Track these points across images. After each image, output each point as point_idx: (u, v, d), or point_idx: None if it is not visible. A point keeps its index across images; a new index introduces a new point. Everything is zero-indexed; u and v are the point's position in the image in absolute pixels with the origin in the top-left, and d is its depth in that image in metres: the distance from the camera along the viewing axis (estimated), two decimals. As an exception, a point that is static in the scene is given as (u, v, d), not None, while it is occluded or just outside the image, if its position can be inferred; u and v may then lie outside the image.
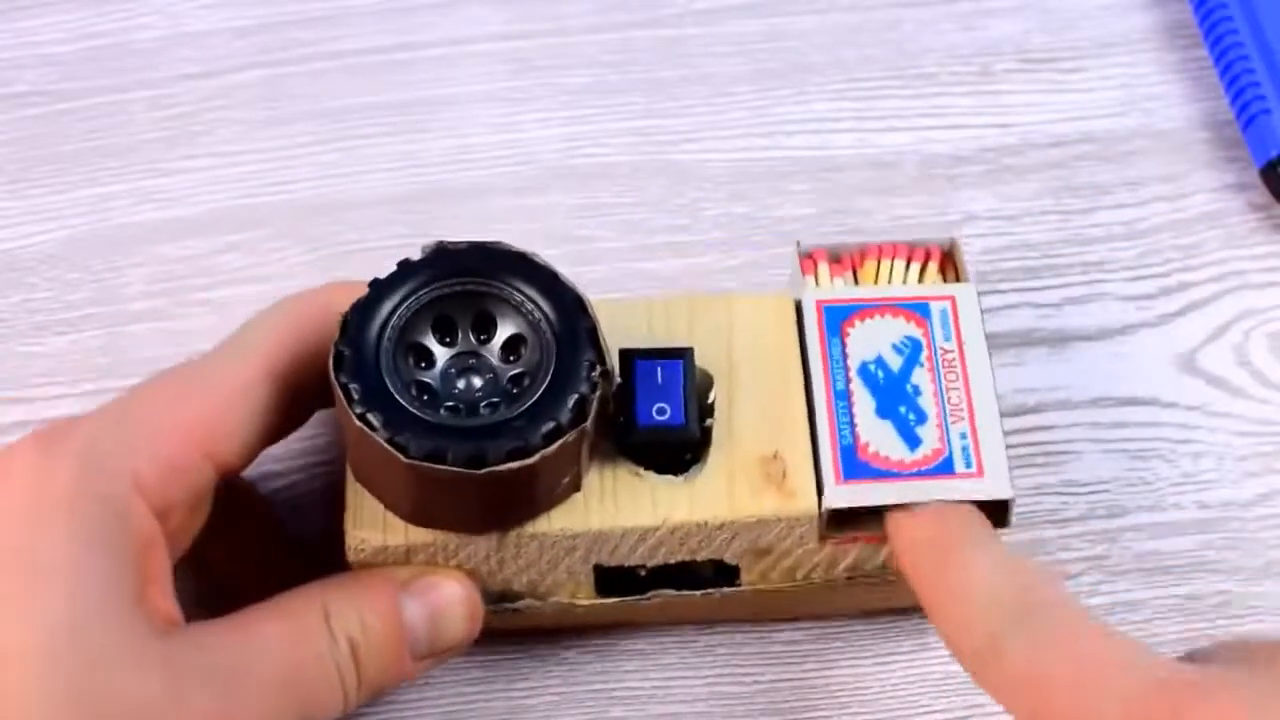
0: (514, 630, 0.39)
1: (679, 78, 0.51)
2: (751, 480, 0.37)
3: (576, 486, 0.36)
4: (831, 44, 0.52)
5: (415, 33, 0.52)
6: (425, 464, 0.33)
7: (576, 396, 0.34)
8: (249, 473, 0.40)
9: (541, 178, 0.49)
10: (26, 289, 0.47)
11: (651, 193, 0.49)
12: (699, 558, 0.37)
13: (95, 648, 0.32)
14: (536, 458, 0.34)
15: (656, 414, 0.36)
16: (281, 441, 0.42)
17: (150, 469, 0.34)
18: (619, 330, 0.37)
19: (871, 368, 0.38)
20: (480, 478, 0.34)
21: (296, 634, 0.34)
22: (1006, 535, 0.41)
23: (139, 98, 0.50)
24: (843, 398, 0.37)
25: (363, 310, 0.35)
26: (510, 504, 0.35)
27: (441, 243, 0.36)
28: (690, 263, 0.47)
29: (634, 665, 0.41)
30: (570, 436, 0.34)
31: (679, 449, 0.37)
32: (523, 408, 0.34)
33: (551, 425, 0.34)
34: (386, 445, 0.33)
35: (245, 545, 0.40)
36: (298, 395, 0.37)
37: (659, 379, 0.36)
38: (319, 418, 0.41)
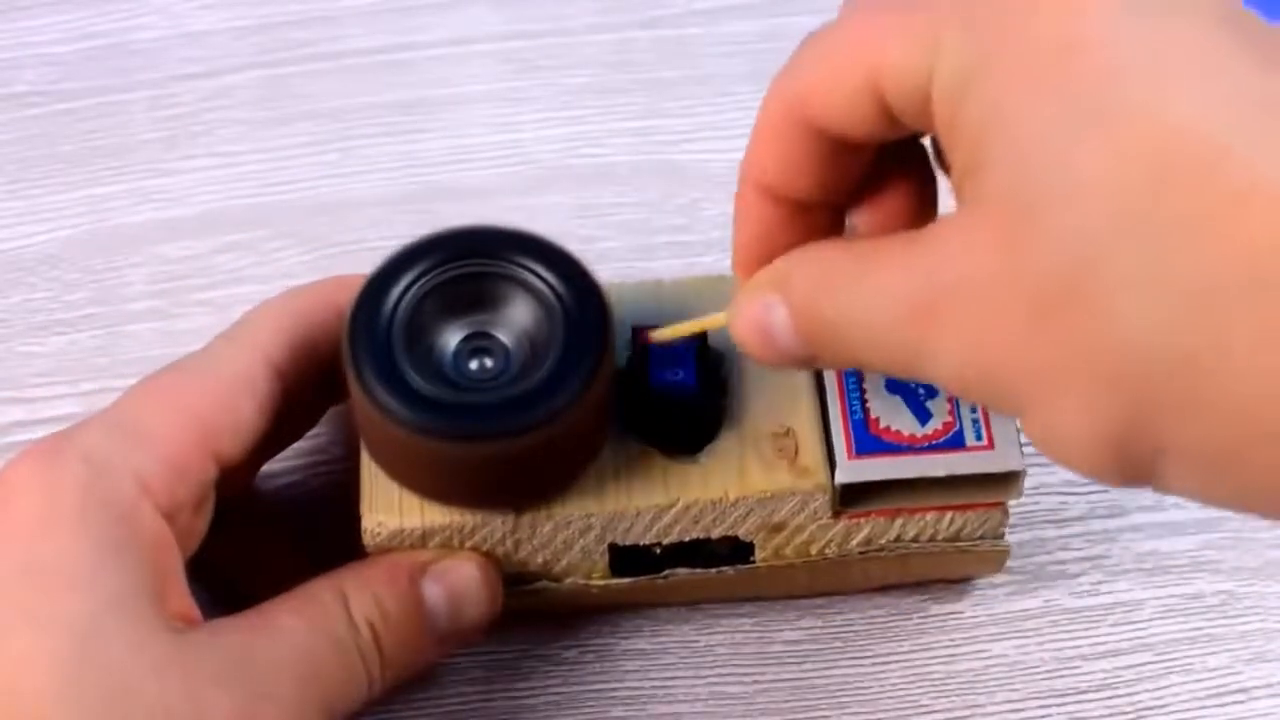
0: (530, 612, 0.39)
1: (679, 78, 0.51)
2: (764, 457, 0.37)
3: (590, 459, 0.36)
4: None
5: (415, 33, 0.52)
6: (439, 440, 0.34)
7: (588, 370, 0.34)
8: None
9: (541, 178, 0.49)
10: (26, 289, 0.47)
11: (651, 193, 0.49)
12: (713, 535, 0.38)
13: (115, 653, 0.32)
14: (549, 430, 0.34)
15: (669, 377, 0.37)
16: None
17: (155, 471, 0.34)
18: (630, 311, 0.38)
19: None
20: (493, 451, 0.34)
21: (315, 624, 0.35)
22: (1008, 534, 0.41)
23: (139, 98, 0.50)
24: (853, 373, 0.38)
25: (373, 291, 0.35)
26: (525, 479, 0.36)
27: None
28: (690, 263, 0.47)
29: (634, 665, 0.41)
30: (581, 411, 0.34)
31: (690, 416, 0.37)
32: (535, 382, 0.34)
33: (564, 398, 0.34)
34: (401, 423, 0.34)
35: (250, 544, 0.40)
36: (297, 388, 0.37)
37: (671, 353, 0.37)
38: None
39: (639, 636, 0.41)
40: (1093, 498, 0.43)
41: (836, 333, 0.30)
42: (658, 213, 0.48)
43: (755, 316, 0.31)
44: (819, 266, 0.31)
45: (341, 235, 0.48)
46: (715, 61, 0.51)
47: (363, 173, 0.49)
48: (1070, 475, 0.43)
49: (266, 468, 0.41)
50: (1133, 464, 0.26)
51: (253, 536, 0.40)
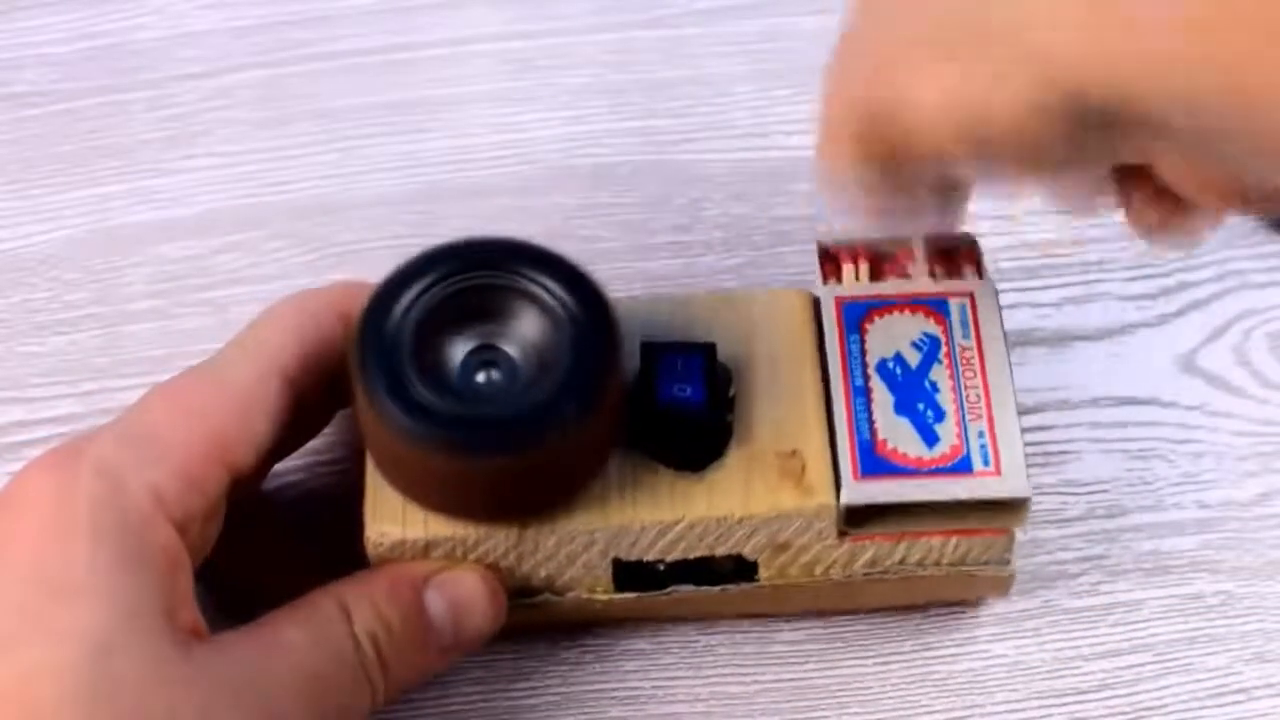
0: (532, 625, 0.39)
1: (679, 78, 0.51)
2: (770, 476, 0.37)
3: (596, 474, 0.36)
4: (831, 44, 0.52)
5: (415, 33, 0.52)
6: (444, 453, 0.34)
7: (595, 385, 0.34)
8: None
9: (542, 178, 0.49)
10: (26, 289, 0.47)
11: (651, 193, 0.49)
12: (717, 553, 0.37)
13: (124, 666, 0.32)
14: (555, 445, 0.34)
15: (677, 393, 0.36)
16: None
17: (168, 484, 0.34)
18: (638, 327, 0.38)
19: (890, 365, 0.38)
20: (498, 465, 0.34)
21: (318, 637, 0.35)
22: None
23: (139, 98, 0.50)
24: (861, 394, 0.38)
25: (381, 302, 0.35)
26: (530, 493, 0.36)
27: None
28: (690, 262, 0.47)
29: (634, 665, 0.41)
30: (587, 425, 0.34)
31: (697, 433, 0.37)
32: (541, 396, 0.34)
33: (570, 413, 0.34)
34: (406, 436, 0.34)
35: (251, 544, 0.40)
36: (307, 396, 0.37)
37: (680, 369, 0.37)
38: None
39: (639, 636, 0.41)
40: (1093, 498, 0.43)
41: None
42: (658, 213, 0.48)
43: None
44: None
45: (341, 235, 0.48)
46: (715, 61, 0.51)
47: (363, 173, 0.49)
48: (1070, 475, 0.44)
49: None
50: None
51: (255, 536, 0.40)
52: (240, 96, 0.50)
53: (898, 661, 0.41)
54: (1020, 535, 0.38)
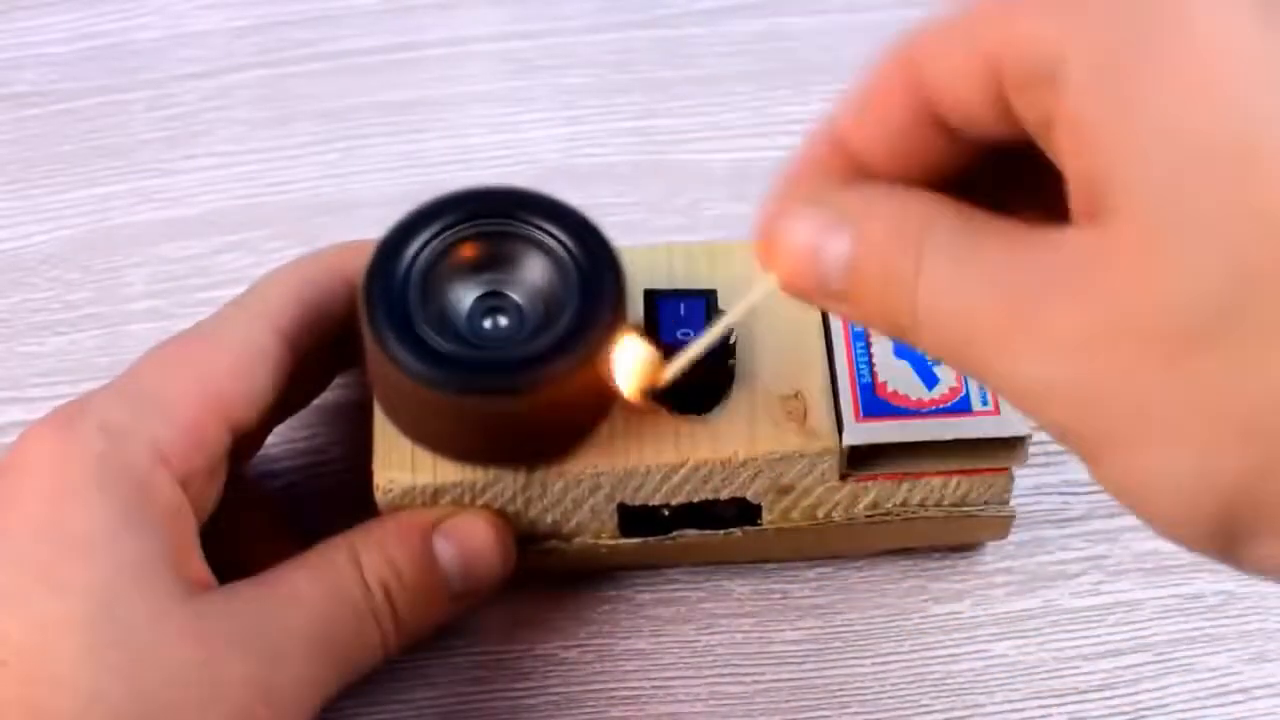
0: (541, 572, 0.40)
1: (679, 78, 0.51)
2: (773, 418, 0.37)
3: (602, 418, 0.37)
4: (831, 44, 0.52)
5: (415, 33, 0.52)
6: (453, 394, 0.34)
7: (601, 328, 0.35)
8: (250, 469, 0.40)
9: (541, 178, 0.49)
10: (26, 289, 0.47)
11: (651, 193, 0.49)
12: (722, 496, 0.38)
13: (135, 618, 0.32)
14: (562, 386, 0.34)
15: (680, 337, 0.37)
16: (280, 442, 0.43)
17: (171, 440, 0.34)
18: (642, 275, 0.38)
19: None
20: (505, 406, 0.34)
21: (328, 586, 0.35)
22: (1011, 535, 0.41)
23: (139, 98, 0.50)
24: (861, 338, 0.38)
25: (390, 248, 0.35)
26: (536, 435, 0.36)
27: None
28: (690, 263, 0.47)
29: (634, 665, 0.41)
30: (593, 369, 0.34)
31: (700, 376, 0.37)
32: (548, 339, 0.35)
33: (577, 355, 0.34)
34: (415, 377, 0.34)
35: (249, 544, 0.40)
36: (307, 356, 0.37)
37: (682, 315, 0.37)
38: (311, 417, 0.41)
39: (639, 636, 0.41)
40: (1093, 498, 0.43)
41: (904, 296, 0.26)
42: (658, 213, 0.48)
43: (809, 241, 0.27)
44: (914, 215, 0.27)
45: (341, 235, 0.47)
46: (715, 61, 0.51)
47: (363, 173, 0.49)
48: (1071, 475, 0.44)
49: (266, 468, 0.42)
50: (1229, 525, 0.24)
51: (252, 536, 0.40)
52: (240, 96, 0.50)
53: (897, 661, 0.41)
54: (1015, 506, 0.39)
